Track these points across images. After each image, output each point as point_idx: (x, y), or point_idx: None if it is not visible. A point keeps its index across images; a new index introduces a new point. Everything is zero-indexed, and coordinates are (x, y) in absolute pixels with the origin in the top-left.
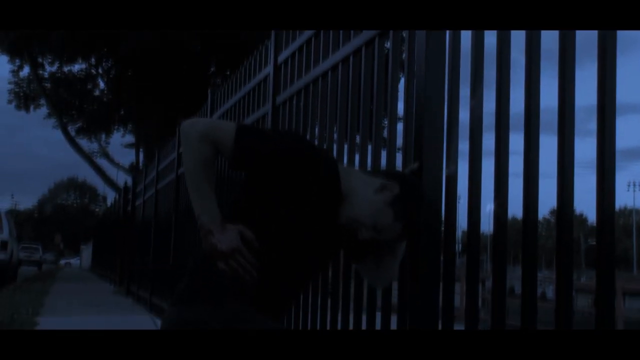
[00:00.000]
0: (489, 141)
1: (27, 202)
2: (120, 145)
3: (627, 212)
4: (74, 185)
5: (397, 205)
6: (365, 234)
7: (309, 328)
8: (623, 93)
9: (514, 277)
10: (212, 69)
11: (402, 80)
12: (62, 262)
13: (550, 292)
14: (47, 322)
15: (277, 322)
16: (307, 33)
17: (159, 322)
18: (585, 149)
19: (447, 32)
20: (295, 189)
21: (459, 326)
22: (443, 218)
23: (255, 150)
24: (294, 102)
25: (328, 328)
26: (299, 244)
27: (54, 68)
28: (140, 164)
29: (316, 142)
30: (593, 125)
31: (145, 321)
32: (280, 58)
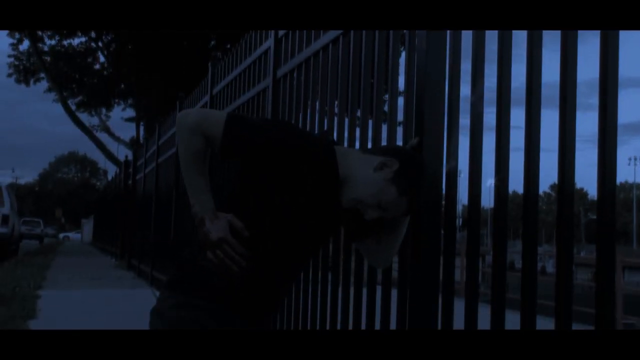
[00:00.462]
0: (490, 116)
1: (27, 176)
2: (121, 119)
3: (627, 187)
4: (75, 160)
5: (399, 180)
6: (371, 214)
7: (309, 303)
8: (625, 67)
9: (514, 252)
10: (212, 43)
11: (403, 54)
12: (61, 236)
13: (550, 266)
14: (48, 295)
15: (271, 311)
16: None
17: None
18: (587, 123)
19: None
20: (290, 179)
21: (459, 300)
22: (444, 192)
23: (244, 141)
24: (295, 75)
25: (329, 302)
26: (294, 233)
27: (54, 42)
28: (141, 138)
29: (317, 116)
30: (595, 99)
31: (146, 295)
32: (281, 31)
